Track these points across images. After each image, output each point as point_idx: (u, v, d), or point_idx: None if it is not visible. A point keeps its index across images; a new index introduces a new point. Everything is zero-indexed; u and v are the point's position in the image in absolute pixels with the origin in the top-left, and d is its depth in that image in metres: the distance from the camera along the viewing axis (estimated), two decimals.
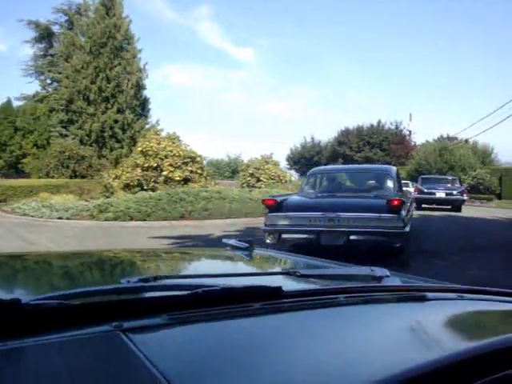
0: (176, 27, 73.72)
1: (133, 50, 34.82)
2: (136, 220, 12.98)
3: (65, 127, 31.93)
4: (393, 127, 43.55)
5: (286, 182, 25.69)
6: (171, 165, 17.54)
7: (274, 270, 1.70)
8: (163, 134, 19.23)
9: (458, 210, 18.94)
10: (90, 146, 29.22)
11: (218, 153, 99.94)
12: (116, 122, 31.87)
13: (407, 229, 7.07)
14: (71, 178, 24.34)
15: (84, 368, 0.70)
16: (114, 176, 17.75)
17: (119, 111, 32.32)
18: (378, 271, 1.27)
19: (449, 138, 38.28)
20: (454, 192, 19.42)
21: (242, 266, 1.75)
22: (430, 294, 1.14)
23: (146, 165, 17.48)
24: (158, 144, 17.75)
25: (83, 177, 24.36)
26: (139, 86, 34.73)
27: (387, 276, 1.24)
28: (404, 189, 10.82)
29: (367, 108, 77.43)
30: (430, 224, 13.61)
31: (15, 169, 30.65)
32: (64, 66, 33.84)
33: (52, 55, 37.12)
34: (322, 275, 1.36)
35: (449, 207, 19.30)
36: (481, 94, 73.97)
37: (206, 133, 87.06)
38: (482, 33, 71.46)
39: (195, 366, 0.72)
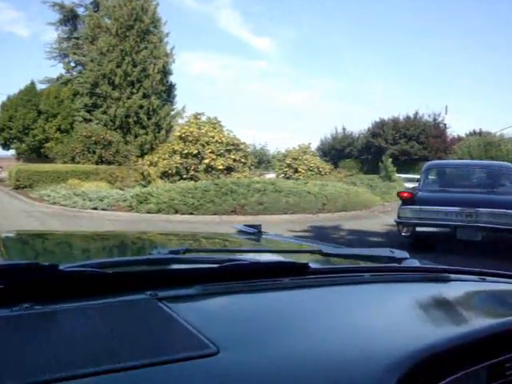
0: (196, 14, 71.92)
1: (159, 34, 33.49)
2: (182, 213, 11.42)
3: (89, 111, 30.67)
4: (430, 120, 41.50)
5: (325, 173, 24.17)
6: (213, 152, 15.87)
7: (300, 249, 1.68)
8: (203, 118, 17.46)
9: None
10: (115, 131, 27.81)
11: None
12: (141, 107, 30.45)
13: None
14: (97, 163, 22.85)
15: (124, 333, 0.71)
16: (148, 163, 16.14)
17: (144, 96, 30.89)
18: (398, 253, 1.34)
19: (488, 134, 36.30)
20: None
21: (265, 246, 1.75)
22: (451, 276, 1.18)
23: (186, 151, 15.83)
24: (199, 129, 16.07)
25: (110, 163, 22.86)
26: (165, 72, 33.37)
27: (407, 258, 1.31)
28: None
29: (394, 102, 74.92)
30: None
31: (38, 154, 29.40)
32: (89, 48, 32.49)
33: (77, 38, 35.79)
34: (345, 254, 1.45)
35: None
36: None
37: (225, 122, 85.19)
38: None
39: (237, 333, 0.74)
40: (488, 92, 71.25)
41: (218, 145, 15.87)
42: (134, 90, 30.31)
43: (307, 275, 0.98)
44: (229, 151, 16.07)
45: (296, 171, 23.18)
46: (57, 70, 49.63)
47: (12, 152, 32.22)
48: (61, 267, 0.79)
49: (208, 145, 15.78)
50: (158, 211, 11.40)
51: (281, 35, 78.24)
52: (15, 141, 30.14)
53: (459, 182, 8.81)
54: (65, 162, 23.48)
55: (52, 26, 36.07)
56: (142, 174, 14.34)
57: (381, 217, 13.59)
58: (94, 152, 23.60)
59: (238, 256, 1.08)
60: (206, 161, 15.67)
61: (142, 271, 0.91)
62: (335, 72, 77.48)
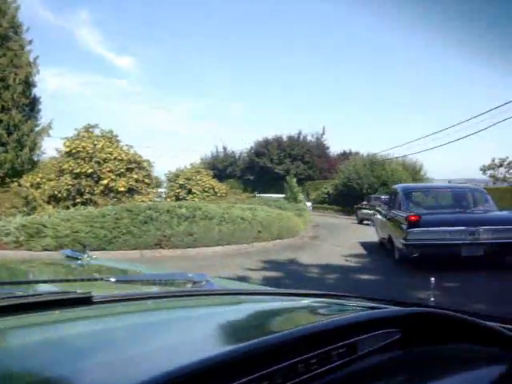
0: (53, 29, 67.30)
1: (21, 41, 29.48)
2: (91, 250, 8.87)
3: None
4: (313, 139, 41.99)
5: (221, 195, 22.49)
6: (112, 171, 13.30)
7: (90, 277, 1.60)
8: (96, 131, 14.62)
9: None
10: None
11: None
12: (0, 122, 26.44)
13: None
14: None
15: None
16: (28, 184, 13.07)
17: (4, 109, 26.96)
18: (197, 276, 1.36)
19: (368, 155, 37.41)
20: None
21: (61, 273, 1.72)
22: (247, 297, 1.23)
23: (78, 170, 13.06)
24: (93, 144, 13.40)
25: None
26: (28, 83, 29.35)
27: (207, 281, 1.33)
28: None
29: (272, 122, 75.88)
30: None
31: None
32: None
33: None
34: (138, 281, 1.44)
35: None
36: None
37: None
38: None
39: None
40: (357, 114, 75.44)
41: (117, 162, 13.35)
42: None
43: (91, 304, 0.95)
44: (130, 170, 13.63)
45: (190, 192, 21.27)
46: None
47: None
48: None
49: (106, 162, 13.19)
50: (59, 247, 8.75)
51: (142, 54, 76.77)
52: None
53: (443, 204, 9.39)
54: None
55: None
56: (26, 198, 11.36)
57: (317, 244, 12.22)
58: None
59: (24, 288, 1.06)
60: (105, 181, 13.08)
61: None
62: (198, 91, 77.86)
